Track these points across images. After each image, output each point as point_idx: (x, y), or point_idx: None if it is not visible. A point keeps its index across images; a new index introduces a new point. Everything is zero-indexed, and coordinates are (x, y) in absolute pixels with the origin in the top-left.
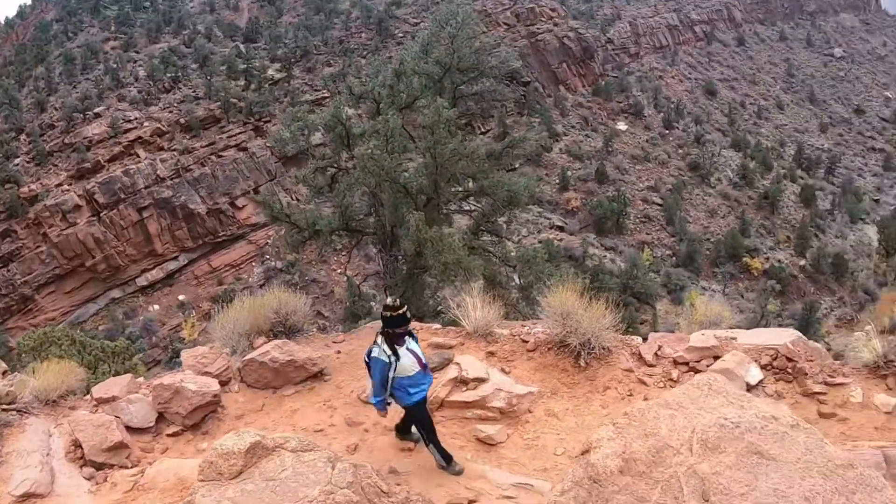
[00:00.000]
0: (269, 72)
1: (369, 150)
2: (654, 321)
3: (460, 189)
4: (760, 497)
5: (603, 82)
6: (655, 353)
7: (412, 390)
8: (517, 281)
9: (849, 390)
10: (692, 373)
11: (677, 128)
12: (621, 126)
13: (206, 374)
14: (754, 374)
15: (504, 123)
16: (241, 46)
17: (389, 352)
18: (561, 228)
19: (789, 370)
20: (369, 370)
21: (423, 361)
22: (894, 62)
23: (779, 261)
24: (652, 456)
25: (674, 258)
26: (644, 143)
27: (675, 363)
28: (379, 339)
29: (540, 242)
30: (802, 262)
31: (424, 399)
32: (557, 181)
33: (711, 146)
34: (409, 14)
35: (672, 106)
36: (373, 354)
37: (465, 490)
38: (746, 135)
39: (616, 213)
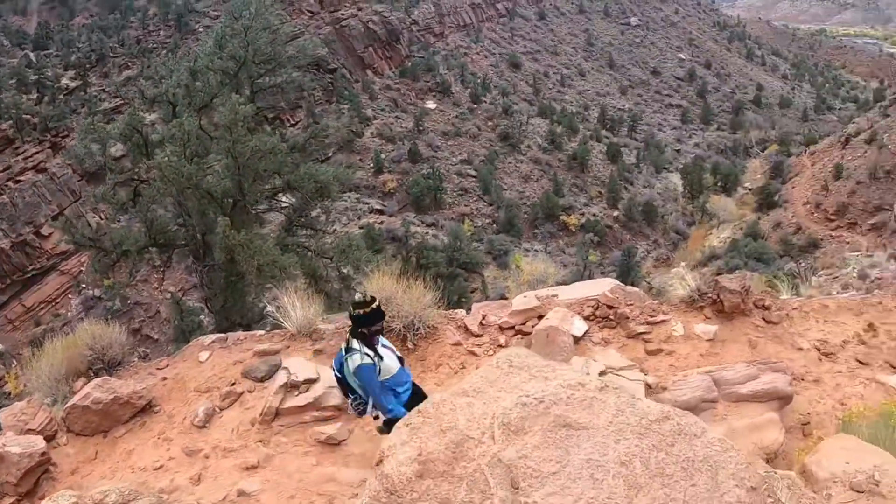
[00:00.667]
0: (64, 80)
1: (166, 158)
2: (484, 288)
3: (267, 187)
4: (573, 472)
5: (410, 63)
6: (480, 323)
7: (399, 389)
8: (337, 272)
9: (670, 326)
10: (520, 335)
11: (485, 101)
12: (430, 105)
13: (30, 431)
14: (579, 327)
15: (313, 113)
16: (31, 55)
17: (372, 353)
18: (381, 211)
19: (612, 317)
20: (342, 387)
21: (398, 354)
22: (686, 27)
23: (594, 215)
24: (452, 452)
25: (494, 225)
26: (454, 119)
27: (502, 329)
28: (355, 344)
29: (361, 228)
30: (616, 213)
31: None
32: (372, 165)
33: (519, 116)
34: (209, 7)
35: (479, 81)
36: (357, 364)
37: (317, 497)
38: (552, 102)
39: (433, 190)
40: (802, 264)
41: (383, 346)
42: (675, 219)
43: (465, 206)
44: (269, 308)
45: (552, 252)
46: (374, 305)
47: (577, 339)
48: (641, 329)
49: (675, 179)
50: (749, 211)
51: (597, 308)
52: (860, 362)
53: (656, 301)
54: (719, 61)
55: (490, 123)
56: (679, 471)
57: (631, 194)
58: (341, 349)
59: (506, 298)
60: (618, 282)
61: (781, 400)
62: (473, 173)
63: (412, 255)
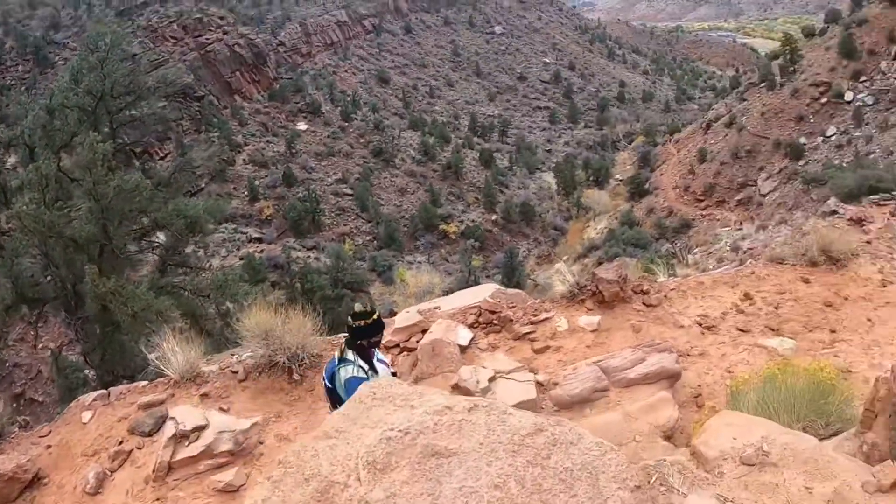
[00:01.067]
0: None
1: (25, 206)
2: (371, 306)
3: (135, 228)
4: (447, 503)
5: (278, 86)
6: None
7: None
8: (216, 309)
9: (554, 322)
10: (406, 352)
11: (356, 119)
12: (301, 126)
13: None
14: (464, 336)
15: (182, 144)
16: None
17: (367, 366)
18: (260, 240)
19: (495, 321)
20: (331, 400)
21: (392, 370)
22: (549, 33)
23: (472, 221)
24: (317, 502)
25: (375, 242)
26: (326, 138)
27: (387, 349)
28: (350, 355)
29: (241, 259)
30: (494, 217)
31: None
32: (247, 193)
33: (391, 130)
34: (69, 38)
35: (348, 99)
36: (349, 376)
37: None
38: (422, 114)
39: (310, 213)
40: (678, 244)
41: (378, 360)
42: (552, 216)
43: (345, 225)
44: (149, 355)
45: (435, 262)
46: (374, 317)
47: (463, 349)
48: (526, 329)
49: (549, 178)
50: (622, 201)
51: (479, 315)
52: (741, 330)
53: (538, 300)
54: (583, 63)
55: (362, 140)
56: (557, 483)
57: (507, 197)
58: (333, 358)
59: (394, 313)
60: (498, 286)
61: (671, 378)
62: (350, 192)
63: (296, 282)
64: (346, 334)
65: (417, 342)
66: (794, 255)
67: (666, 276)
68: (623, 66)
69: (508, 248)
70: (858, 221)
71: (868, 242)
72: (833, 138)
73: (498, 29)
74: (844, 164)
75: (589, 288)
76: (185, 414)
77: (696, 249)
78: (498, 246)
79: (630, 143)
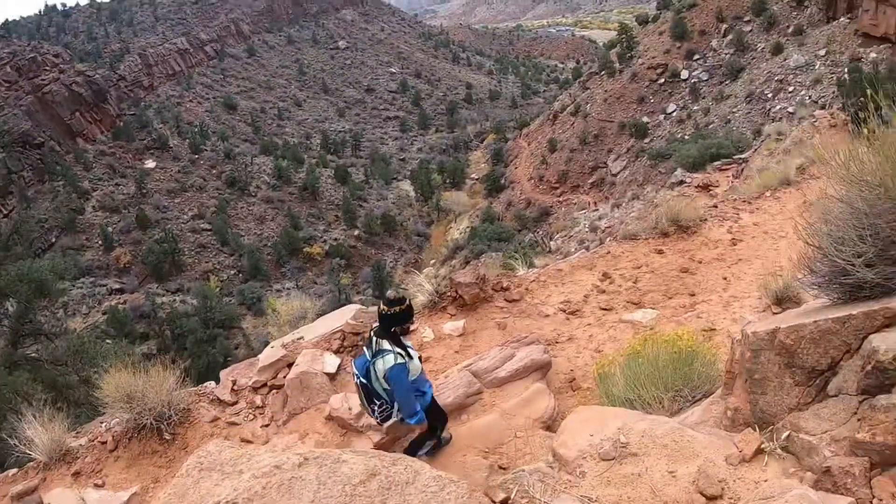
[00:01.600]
0: None
1: None
2: (247, 341)
3: None
4: None
5: (122, 123)
6: (232, 390)
7: (424, 387)
8: (77, 376)
9: (420, 333)
10: (275, 390)
11: (206, 150)
12: (150, 164)
13: None
14: (331, 363)
15: (26, 197)
16: None
17: (402, 352)
18: (121, 290)
19: (360, 343)
20: (366, 395)
21: (419, 355)
22: (393, 42)
23: (335, 239)
24: None
25: (241, 275)
26: (177, 174)
27: (255, 389)
28: (386, 344)
29: (105, 314)
30: (356, 232)
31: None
32: (100, 242)
33: (243, 158)
34: None
35: (196, 130)
36: (391, 364)
37: None
38: (273, 138)
39: (170, 254)
40: (539, 233)
41: (408, 346)
42: (414, 223)
43: (207, 262)
44: (11, 441)
45: (304, 286)
46: (408, 302)
47: (332, 377)
48: None
49: (406, 186)
50: (481, 199)
51: (344, 339)
52: (604, 309)
53: None
54: (429, 69)
55: (215, 171)
56: None
57: (367, 210)
58: (364, 353)
59: (269, 344)
60: (360, 305)
61: (542, 369)
62: (208, 227)
63: (165, 329)
64: (377, 324)
65: (285, 377)
66: (646, 229)
67: (525, 268)
68: (468, 68)
69: (375, 262)
70: (705, 187)
71: (714, 206)
72: (674, 114)
73: (342, 43)
74: (686, 137)
75: (449, 294)
76: (60, 498)
77: (558, 235)
78: (364, 261)
79: (482, 142)
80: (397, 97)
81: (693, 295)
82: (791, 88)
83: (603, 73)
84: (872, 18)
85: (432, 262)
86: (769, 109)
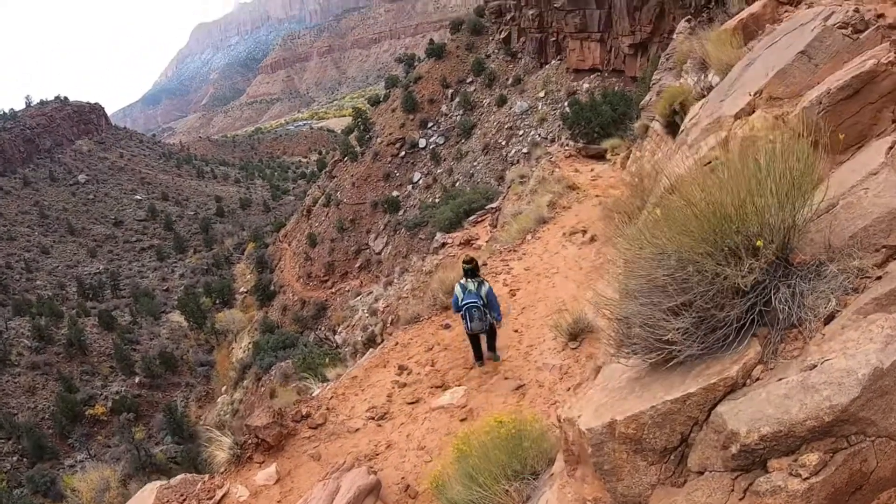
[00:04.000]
0: None
1: None
2: None
3: None
4: None
5: None
6: None
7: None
8: None
9: (234, 495)
10: None
11: None
12: None
13: None
14: None
15: None
16: None
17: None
18: None
19: None
20: (481, 309)
21: (487, 284)
22: (135, 168)
23: (117, 392)
24: None
25: (25, 460)
26: None
27: None
28: (471, 284)
29: None
30: (137, 379)
31: None
32: None
33: None
34: None
35: None
36: (489, 287)
37: None
38: (24, 294)
39: None
40: (322, 329)
41: (478, 281)
42: (194, 354)
43: None
44: None
45: (98, 453)
46: (472, 259)
47: None
48: None
49: (177, 317)
50: (255, 311)
51: None
52: (412, 403)
53: (206, 478)
54: (175, 189)
55: None
56: None
57: (142, 352)
58: (467, 288)
59: None
60: (161, 481)
61: (373, 491)
62: None
63: None
64: (464, 273)
65: None
66: (427, 308)
67: (319, 383)
68: (214, 181)
69: (165, 406)
70: (468, 243)
71: (484, 264)
72: (420, 182)
73: (82, 177)
74: (437, 200)
75: (250, 442)
76: None
77: (340, 328)
78: (154, 407)
79: (243, 253)
80: (148, 225)
81: None
82: (521, 132)
83: (346, 158)
84: (580, 55)
85: (224, 388)
86: (506, 155)
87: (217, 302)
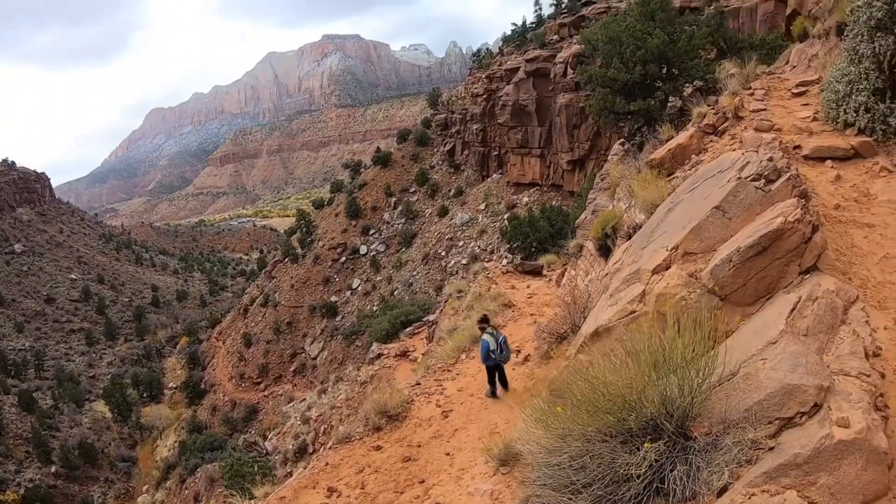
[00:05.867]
0: None
1: None
2: None
3: None
4: None
5: None
6: None
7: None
8: None
9: None
10: None
11: None
12: None
13: None
14: None
15: None
16: None
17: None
18: None
19: None
20: (503, 348)
21: (501, 335)
22: (73, 245)
23: (30, 480)
24: None
25: None
26: None
27: None
28: (494, 332)
29: None
30: (54, 469)
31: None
32: None
33: None
34: None
35: None
36: (503, 336)
37: None
38: None
39: None
40: (252, 433)
41: (492, 333)
42: (116, 448)
43: None
44: None
45: None
46: (485, 315)
47: None
48: None
49: (101, 407)
50: (183, 408)
51: None
52: None
53: None
54: (111, 273)
55: None
56: None
57: (61, 440)
58: (489, 340)
59: None
60: None
61: None
62: None
63: None
64: (485, 326)
65: None
66: (360, 428)
67: (245, 501)
68: (153, 269)
69: (81, 500)
70: (403, 354)
71: (418, 384)
72: (359, 289)
73: (18, 247)
74: (375, 308)
75: None
76: None
77: (271, 434)
78: (69, 500)
79: (175, 347)
80: (80, 306)
81: (423, 481)
82: (461, 243)
83: (287, 259)
84: (520, 170)
85: (145, 488)
86: (446, 266)
87: (144, 395)
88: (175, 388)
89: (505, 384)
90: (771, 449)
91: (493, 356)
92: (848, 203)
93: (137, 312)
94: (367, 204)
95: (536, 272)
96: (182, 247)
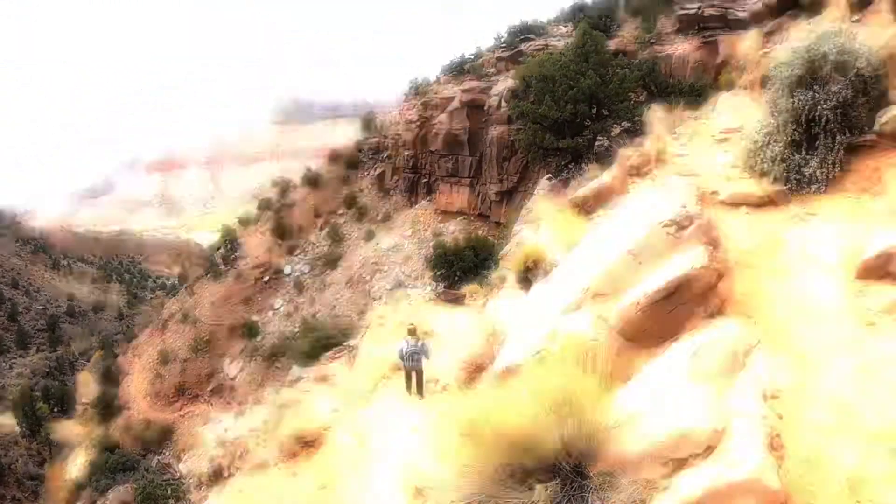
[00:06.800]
0: None
1: None
2: None
3: None
4: None
5: None
6: None
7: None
8: None
9: None
10: None
11: None
12: None
13: None
14: None
15: None
16: None
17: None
18: None
19: None
20: (417, 355)
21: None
22: None
23: None
24: None
25: None
26: None
27: None
28: (412, 340)
29: None
30: None
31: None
32: None
33: None
34: None
35: None
36: (428, 344)
37: None
38: None
39: None
40: (167, 454)
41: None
42: (24, 464)
43: None
44: None
45: None
46: (412, 326)
47: None
48: None
49: (8, 420)
50: (95, 425)
51: None
52: None
53: None
54: (26, 277)
55: None
56: None
57: None
58: (410, 344)
59: None
60: None
61: None
62: None
63: None
64: (409, 333)
65: None
66: (277, 454)
67: None
68: (70, 276)
69: None
70: (323, 378)
71: (336, 410)
72: (281, 309)
73: None
74: (297, 330)
75: None
76: None
77: (186, 456)
78: None
79: (89, 361)
80: None
81: None
82: (386, 268)
83: (209, 275)
84: (448, 198)
85: None
86: (370, 290)
87: (56, 410)
88: (87, 404)
89: (420, 391)
90: (665, 489)
91: (403, 360)
92: (759, 249)
93: (51, 322)
94: (294, 224)
95: (459, 301)
96: (102, 255)
